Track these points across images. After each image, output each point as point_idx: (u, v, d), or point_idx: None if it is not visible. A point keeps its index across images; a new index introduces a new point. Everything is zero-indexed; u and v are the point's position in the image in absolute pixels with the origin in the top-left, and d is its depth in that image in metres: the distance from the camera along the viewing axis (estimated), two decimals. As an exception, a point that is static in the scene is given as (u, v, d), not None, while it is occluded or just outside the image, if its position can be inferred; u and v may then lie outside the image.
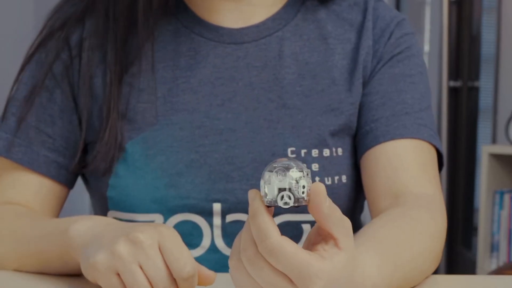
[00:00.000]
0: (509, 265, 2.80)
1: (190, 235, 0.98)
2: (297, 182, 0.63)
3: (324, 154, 0.99)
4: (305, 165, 0.65)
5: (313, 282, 0.64)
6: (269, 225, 0.64)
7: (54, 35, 1.02)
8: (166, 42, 1.01)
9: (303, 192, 0.63)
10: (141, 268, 0.73)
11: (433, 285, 0.87)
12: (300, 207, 0.65)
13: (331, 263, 0.65)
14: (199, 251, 0.98)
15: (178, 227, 0.97)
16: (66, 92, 1.00)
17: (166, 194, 0.97)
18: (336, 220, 0.66)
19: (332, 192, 0.98)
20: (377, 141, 0.98)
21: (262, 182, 0.64)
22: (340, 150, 1.00)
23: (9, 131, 1.00)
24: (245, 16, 1.03)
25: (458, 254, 3.34)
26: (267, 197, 0.64)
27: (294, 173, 0.63)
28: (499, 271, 2.65)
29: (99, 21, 1.01)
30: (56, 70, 1.01)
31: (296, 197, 0.63)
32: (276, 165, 0.64)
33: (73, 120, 1.01)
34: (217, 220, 0.97)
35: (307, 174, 0.64)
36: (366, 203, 1.08)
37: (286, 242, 0.64)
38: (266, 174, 0.64)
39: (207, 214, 0.97)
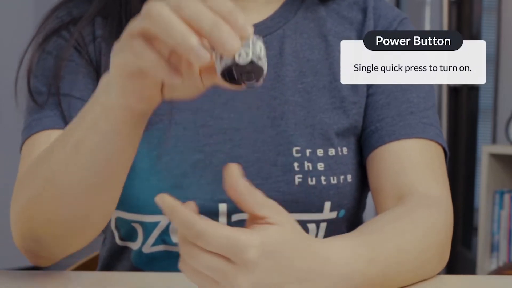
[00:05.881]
0: (509, 265, 2.81)
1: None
2: (253, 42, 0.64)
3: (330, 154, 0.99)
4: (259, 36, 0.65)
5: (245, 252, 0.66)
6: (189, 215, 0.66)
7: (66, 27, 1.00)
8: None
9: (260, 51, 0.64)
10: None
11: (433, 284, 0.87)
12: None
13: (260, 231, 0.67)
14: (203, 249, 0.98)
15: (183, 226, 0.97)
16: (91, 74, 0.99)
17: (172, 196, 0.96)
18: (259, 200, 0.68)
19: (338, 191, 0.98)
20: (383, 141, 0.98)
21: (214, 54, 0.65)
22: (345, 150, 1.00)
23: (54, 108, 0.97)
24: (245, 16, 1.02)
25: (458, 254, 3.34)
26: (222, 61, 0.64)
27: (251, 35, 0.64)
28: (499, 271, 2.65)
29: (115, 19, 0.99)
30: (74, 57, 0.99)
31: (254, 53, 0.64)
32: None
33: None
34: (222, 220, 0.97)
35: (262, 42, 0.65)
36: (367, 202, 1.08)
37: (210, 223, 0.66)
38: None
39: (213, 215, 0.96)
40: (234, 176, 0.68)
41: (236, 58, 0.64)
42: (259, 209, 0.68)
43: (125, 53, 0.68)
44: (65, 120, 0.96)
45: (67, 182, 0.80)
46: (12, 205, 0.88)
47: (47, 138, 0.94)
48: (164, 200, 0.68)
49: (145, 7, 0.67)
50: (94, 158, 0.77)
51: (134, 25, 0.68)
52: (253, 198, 0.68)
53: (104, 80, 0.74)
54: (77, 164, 0.78)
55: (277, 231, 0.68)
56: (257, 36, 0.65)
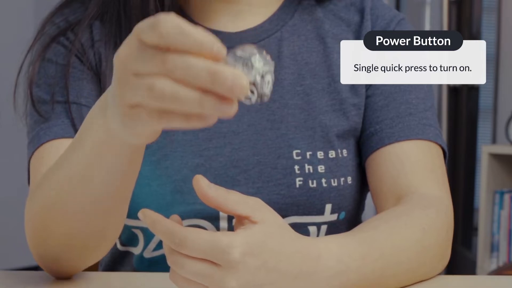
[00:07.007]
0: (509, 265, 2.80)
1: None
2: (262, 77, 0.59)
3: (330, 156, 0.98)
4: (269, 56, 0.59)
5: (228, 253, 0.67)
6: (170, 225, 0.67)
7: (64, 34, 0.99)
8: None
9: (267, 88, 0.59)
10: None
11: (433, 284, 0.86)
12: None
13: (242, 231, 0.68)
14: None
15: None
16: (94, 80, 0.98)
17: (172, 200, 0.96)
18: (236, 199, 0.69)
19: (338, 194, 0.98)
20: (382, 143, 0.98)
21: None
22: (345, 152, 1.00)
23: (62, 116, 0.95)
24: (242, 20, 1.02)
25: (458, 254, 3.34)
26: None
27: (260, 65, 0.58)
28: (499, 271, 2.65)
29: (112, 22, 0.98)
30: (76, 63, 0.98)
31: (259, 92, 0.59)
32: (240, 55, 0.58)
33: None
34: (223, 224, 0.96)
35: (272, 69, 0.59)
36: (366, 203, 1.08)
37: (191, 230, 0.67)
38: (231, 62, 0.58)
39: (214, 219, 0.96)
40: (201, 186, 0.69)
41: (242, 99, 0.58)
42: (237, 208, 0.69)
43: (142, 126, 0.63)
44: (75, 128, 0.94)
45: (76, 209, 0.79)
46: (26, 221, 0.86)
47: (57, 148, 0.92)
48: (145, 214, 0.69)
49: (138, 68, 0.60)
50: (103, 189, 0.77)
51: (138, 96, 0.61)
52: (229, 199, 0.69)
53: (100, 108, 0.70)
54: (85, 194, 0.78)
55: (260, 229, 0.69)
56: (268, 63, 0.58)
